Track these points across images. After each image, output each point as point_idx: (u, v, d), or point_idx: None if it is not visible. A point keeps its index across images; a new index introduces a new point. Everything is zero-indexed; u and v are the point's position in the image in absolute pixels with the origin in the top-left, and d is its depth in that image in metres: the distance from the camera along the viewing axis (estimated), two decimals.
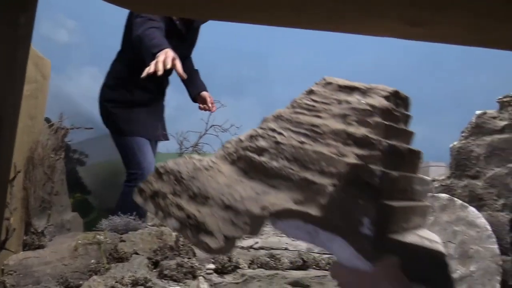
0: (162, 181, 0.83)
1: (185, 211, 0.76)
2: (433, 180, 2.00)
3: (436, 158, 4.40)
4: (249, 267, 2.24)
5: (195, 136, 2.88)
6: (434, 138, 4.61)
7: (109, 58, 3.43)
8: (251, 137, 0.83)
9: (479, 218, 1.74)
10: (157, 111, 3.05)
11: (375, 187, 0.67)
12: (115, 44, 3.45)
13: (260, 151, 0.80)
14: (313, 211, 0.70)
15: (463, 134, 1.92)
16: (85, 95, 3.88)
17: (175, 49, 2.43)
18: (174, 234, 2.44)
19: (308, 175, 0.72)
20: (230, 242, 0.70)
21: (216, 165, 0.82)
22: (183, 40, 2.90)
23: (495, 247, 1.77)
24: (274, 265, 2.23)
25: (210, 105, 2.89)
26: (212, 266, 2.19)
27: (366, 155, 0.70)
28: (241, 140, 0.84)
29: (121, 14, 3.49)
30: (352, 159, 0.70)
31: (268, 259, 2.26)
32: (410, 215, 0.75)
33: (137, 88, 2.83)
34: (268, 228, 3.21)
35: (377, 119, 0.73)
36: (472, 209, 1.75)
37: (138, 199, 0.90)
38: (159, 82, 2.86)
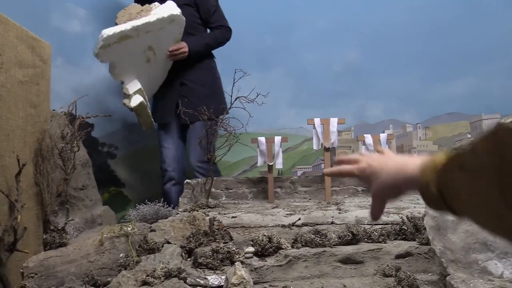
0: None
1: None
2: None
3: (489, 111, 4.02)
4: (292, 247, 2.01)
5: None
6: (485, 90, 4.18)
7: None
8: None
9: None
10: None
11: None
12: None
13: None
14: None
15: None
16: (108, 86, 3.73)
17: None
18: (207, 218, 2.24)
19: None
20: None
21: None
22: None
23: None
24: (320, 242, 1.99)
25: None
26: (251, 249, 1.98)
27: None
28: None
29: None
30: None
31: (313, 236, 2.03)
32: None
33: None
34: (310, 203, 2.96)
35: None
36: None
37: None
38: None
